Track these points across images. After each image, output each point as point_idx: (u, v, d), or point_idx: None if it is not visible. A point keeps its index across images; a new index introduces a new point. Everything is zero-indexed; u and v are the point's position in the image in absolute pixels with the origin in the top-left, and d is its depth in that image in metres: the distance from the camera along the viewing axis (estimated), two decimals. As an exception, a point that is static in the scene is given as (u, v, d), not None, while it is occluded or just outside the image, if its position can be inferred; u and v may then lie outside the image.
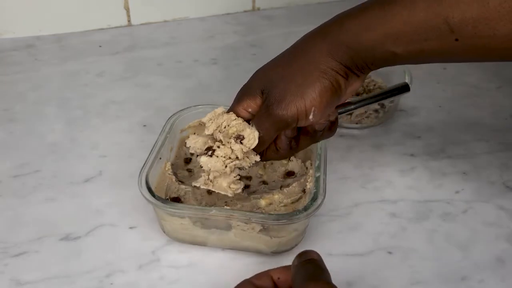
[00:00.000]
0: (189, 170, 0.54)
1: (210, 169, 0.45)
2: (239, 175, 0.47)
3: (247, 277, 0.41)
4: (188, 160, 0.55)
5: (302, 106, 0.43)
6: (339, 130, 0.64)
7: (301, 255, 0.38)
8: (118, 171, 0.57)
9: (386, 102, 0.63)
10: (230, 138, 0.45)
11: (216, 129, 0.46)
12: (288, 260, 0.47)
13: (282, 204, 0.49)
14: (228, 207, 0.48)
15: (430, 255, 0.48)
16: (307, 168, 0.53)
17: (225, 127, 0.45)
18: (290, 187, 0.51)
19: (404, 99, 0.68)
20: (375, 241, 0.49)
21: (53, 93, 0.71)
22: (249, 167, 0.46)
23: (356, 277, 0.46)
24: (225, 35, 0.87)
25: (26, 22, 0.83)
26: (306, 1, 0.95)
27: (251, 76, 0.47)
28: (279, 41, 0.83)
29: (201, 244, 0.48)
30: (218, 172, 0.45)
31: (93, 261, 0.47)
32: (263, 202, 0.49)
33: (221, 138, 0.45)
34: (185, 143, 0.48)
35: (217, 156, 0.45)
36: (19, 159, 0.59)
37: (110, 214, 0.52)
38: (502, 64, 0.78)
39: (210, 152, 0.45)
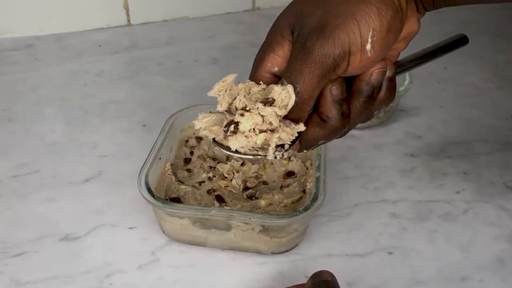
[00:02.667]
0: (189, 170, 0.54)
1: (244, 151, 0.34)
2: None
3: (247, 277, 0.41)
4: (187, 160, 0.55)
5: (355, 30, 0.30)
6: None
7: (314, 276, 0.37)
8: (117, 171, 0.57)
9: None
10: (255, 103, 0.33)
11: (231, 103, 0.34)
12: (288, 260, 0.47)
13: (282, 205, 0.49)
14: (228, 207, 0.48)
15: (430, 255, 0.48)
16: (307, 168, 0.53)
17: (244, 97, 0.34)
18: (290, 187, 0.51)
19: (404, 99, 0.68)
20: (376, 241, 0.49)
21: (53, 93, 0.71)
22: (290, 145, 0.34)
23: (356, 277, 0.46)
24: (225, 35, 0.86)
25: (25, 22, 0.83)
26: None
27: (273, 22, 0.35)
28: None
29: (201, 244, 0.48)
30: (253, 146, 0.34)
31: (93, 261, 0.47)
32: (263, 202, 0.49)
33: (245, 103, 0.33)
34: (193, 124, 0.36)
35: (243, 132, 0.33)
36: (18, 159, 0.59)
37: (109, 214, 0.52)
38: (502, 64, 0.78)
39: (232, 128, 0.33)
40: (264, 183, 0.53)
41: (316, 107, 0.34)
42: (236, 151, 0.34)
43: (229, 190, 0.51)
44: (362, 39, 0.31)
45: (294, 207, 0.49)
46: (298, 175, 0.53)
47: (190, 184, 0.52)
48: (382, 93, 0.35)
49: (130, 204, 0.52)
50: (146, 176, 0.47)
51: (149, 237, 0.49)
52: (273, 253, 0.47)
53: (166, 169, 0.51)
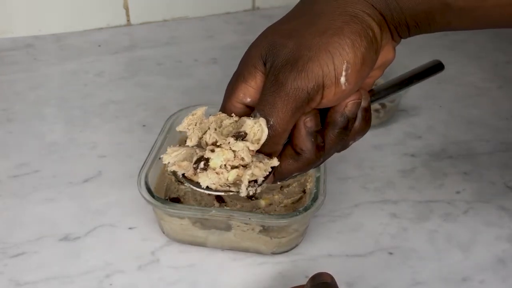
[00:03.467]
0: (189, 170, 0.54)
1: (214, 187, 0.32)
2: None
3: (247, 277, 0.41)
4: (187, 160, 0.55)
5: (329, 63, 0.30)
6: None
7: (314, 278, 0.37)
8: (117, 171, 0.57)
9: (386, 101, 0.62)
10: (227, 137, 0.32)
11: (201, 137, 0.33)
12: (288, 260, 0.47)
13: (282, 205, 0.49)
14: (228, 208, 0.48)
15: (430, 255, 0.48)
16: (307, 168, 0.53)
17: (215, 130, 0.33)
18: (290, 187, 0.51)
19: (404, 99, 0.68)
20: (376, 241, 0.49)
21: (53, 93, 0.71)
22: (264, 179, 0.32)
23: (356, 277, 0.46)
24: (225, 35, 0.86)
25: (25, 22, 0.83)
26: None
27: (245, 52, 0.34)
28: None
29: (201, 244, 0.48)
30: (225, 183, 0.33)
31: (93, 261, 0.47)
32: (263, 203, 0.49)
33: (216, 138, 0.32)
34: (160, 158, 0.34)
35: (214, 169, 0.32)
36: (18, 159, 0.59)
37: (109, 214, 0.52)
38: (502, 64, 0.78)
39: (202, 164, 0.32)
40: (264, 183, 0.53)
41: (290, 139, 0.33)
42: (207, 188, 0.32)
43: (229, 190, 0.51)
44: (336, 72, 0.30)
45: (294, 207, 0.49)
46: (298, 175, 0.53)
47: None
48: (357, 123, 0.35)
49: (130, 204, 0.52)
50: (146, 176, 0.47)
51: (149, 237, 0.49)
52: (273, 253, 0.47)
53: (166, 169, 0.51)
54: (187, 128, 0.34)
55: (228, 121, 0.33)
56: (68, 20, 0.84)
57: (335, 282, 0.37)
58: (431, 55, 0.78)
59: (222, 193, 0.33)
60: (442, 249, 0.49)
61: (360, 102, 0.34)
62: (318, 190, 0.45)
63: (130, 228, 0.50)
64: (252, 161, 0.32)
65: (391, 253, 0.48)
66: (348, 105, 0.33)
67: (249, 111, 0.34)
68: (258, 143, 0.31)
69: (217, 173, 0.32)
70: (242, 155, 0.31)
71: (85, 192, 0.54)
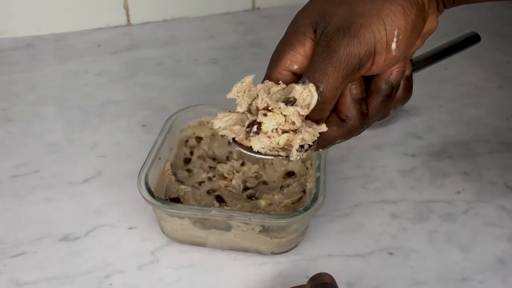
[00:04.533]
0: (189, 171, 0.54)
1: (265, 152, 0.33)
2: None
3: (247, 277, 0.41)
4: (187, 160, 0.55)
5: (381, 30, 0.30)
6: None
7: (314, 278, 0.37)
8: (117, 171, 0.57)
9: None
10: (277, 102, 0.32)
11: (251, 104, 0.34)
12: (288, 260, 0.47)
13: (282, 205, 0.49)
14: (228, 208, 0.48)
15: (430, 255, 0.48)
16: (307, 168, 0.53)
17: (266, 96, 0.33)
18: (290, 187, 0.51)
19: (404, 99, 0.68)
20: (376, 241, 0.49)
21: (52, 93, 0.71)
22: (310, 145, 0.33)
23: (356, 277, 0.46)
24: (225, 35, 0.86)
25: (25, 22, 0.83)
26: (307, 1, 0.94)
27: (292, 20, 0.34)
28: (279, 40, 0.82)
29: (201, 244, 0.48)
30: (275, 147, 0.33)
31: (93, 261, 0.47)
32: (263, 203, 0.49)
33: (268, 102, 0.32)
34: (212, 123, 0.35)
35: (266, 133, 0.32)
36: (18, 159, 0.59)
37: (109, 214, 0.52)
38: (502, 64, 0.78)
39: (255, 128, 0.32)
40: (264, 183, 0.53)
41: (335, 106, 0.34)
42: (258, 152, 0.33)
43: (229, 190, 0.51)
44: (387, 38, 0.31)
45: (294, 207, 0.49)
46: (298, 175, 0.53)
47: (190, 184, 0.51)
48: (400, 92, 0.36)
49: (130, 204, 0.52)
50: (146, 176, 0.47)
51: (149, 237, 0.49)
52: (273, 253, 0.47)
53: (166, 169, 0.51)
54: (237, 96, 0.34)
55: (275, 88, 0.33)
56: (68, 20, 0.84)
57: (335, 282, 0.37)
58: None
59: (272, 157, 0.33)
60: (442, 249, 0.48)
61: (405, 70, 0.34)
62: (318, 190, 0.45)
63: (130, 228, 0.50)
64: (302, 126, 0.32)
65: (391, 253, 0.48)
66: (393, 73, 0.34)
67: (296, 78, 0.34)
68: (308, 108, 0.32)
69: (268, 137, 0.32)
70: (293, 120, 0.32)
71: (85, 192, 0.54)
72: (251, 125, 0.32)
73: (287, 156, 0.33)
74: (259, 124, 0.32)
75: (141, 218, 0.51)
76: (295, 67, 0.34)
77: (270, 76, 0.34)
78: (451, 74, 0.75)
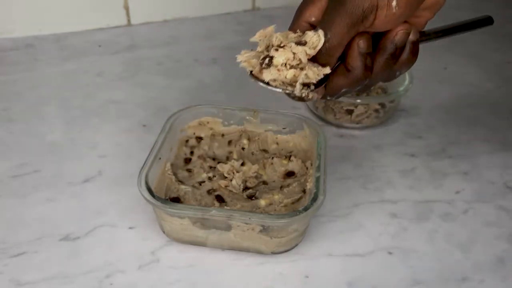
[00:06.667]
0: (189, 170, 0.54)
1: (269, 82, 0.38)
2: None
3: (247, 278, 0.41)
4: (187, 160, 0.55)
5: None
6: (338, 131, 0.64)
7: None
8: (117, 171, 0.57)
9: (386, 101, 0.63)
10: (289, 42, 0.38)
11: (269, 45, 0.39)
12: (288, 260, 0.47)
13: (282, 205, 0.49)
14: (228, 208, 0.48)
15: (430, 255, 0.48)
16: (307, 168, 0.53)
17: (280, 34, 0.38)
18: (290, 187, 0.51)
19: (404, 99, 0.68)
20: (376, 241, 0.49)
21: (53, 93, 0.71)
22: (316, 85, 0.38)
23: (356, 277, 0.46)
24: (225, 35, 0.86)
25: (25, 22, 0.83)
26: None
27: None
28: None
29: (201, 244, 0.48)
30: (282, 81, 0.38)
31: (93, 261, 0.47)
32: (263, 202, 0.49)
33: (281, 39, 0.38)
34: (236, 58, 0.40)
35: (276, 66, 0.37)
36: (18, 159, 0.59)
37: (109, 214, 0.52)
38: (502, 64, 0.78)
39: (267, 61, 0.38)
40: (264, 183, 0.53)
41: (343, 59, 0.38)
42: (268, 84, 0.38)
43: (229, 190, 0.51)
44: None
45: (294, 207, 0.49)
46: (298, 175, 0.53)
47: (190, 184, 0.52)
48: (405, 55, 0.40)
49: (130, 204, 0.52)
50: (146, 176, 0.47)
51: (149, 237, 0.49)
52: (273, 253, 0.47)
53: (166, 169, 0.51)
54: (258, 40, 0.39)
55: (293, 35, 0.38)
56: (68, 20, 0.85)
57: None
58: (431, 55, 0.78)
59: (280, 90, 0.38)
60: (441, 249, 0.49)
61: (409, 33, 0.39)
62: (318, 190, 0.46)
63: (130, 228, 0.50)
64: (307, 63, 0.37)
65: (390, 253, 0.48)
66: (398, 34, 0.38)
67: (312, 29, 0.39)
68: (314, 49, 0.37)
69: (278, 70, 0.38)
70: (300, 57, 0.37)
71: (85, 192, 0.54)
72: (264, 58, 0.38)
73: (293, 91, 0.38)
74: (271, 58, 0.37)
75: (141, 218, 0.51)
76: (313, 19, 0.39)
77: (293, 27, 0.40)
78: (451, 74, 0.75)
